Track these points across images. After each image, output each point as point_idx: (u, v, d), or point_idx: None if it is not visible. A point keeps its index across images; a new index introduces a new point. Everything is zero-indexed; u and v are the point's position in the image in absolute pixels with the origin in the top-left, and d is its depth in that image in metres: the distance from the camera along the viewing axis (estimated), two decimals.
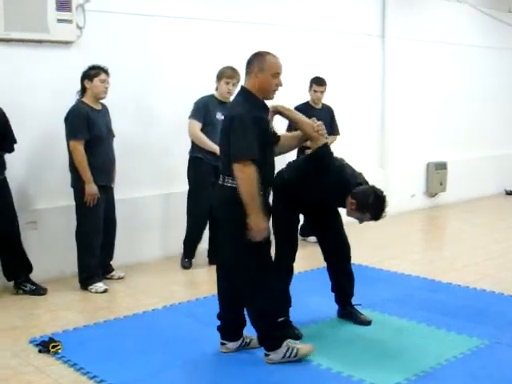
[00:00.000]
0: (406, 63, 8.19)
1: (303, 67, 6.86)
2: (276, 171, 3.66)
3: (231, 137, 3.21)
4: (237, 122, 3.18)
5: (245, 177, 3.15)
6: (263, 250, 3.34)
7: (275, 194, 3.88)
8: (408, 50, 8.20)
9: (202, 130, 5.35)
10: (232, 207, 3.25)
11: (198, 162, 5.39)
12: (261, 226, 3.20)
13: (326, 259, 4.10)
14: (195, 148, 5.42)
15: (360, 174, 3.83)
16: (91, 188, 4.80)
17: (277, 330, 3.40)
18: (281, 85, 3.32)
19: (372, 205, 3.56)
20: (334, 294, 4.19)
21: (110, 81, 4.91)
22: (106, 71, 4.87)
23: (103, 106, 5.03)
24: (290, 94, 6.15)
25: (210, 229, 5.44)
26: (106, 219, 5.00)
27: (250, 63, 3.33)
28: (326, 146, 3.63)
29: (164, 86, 5.86)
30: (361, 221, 3.67)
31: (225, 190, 3.32)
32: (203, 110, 5.33)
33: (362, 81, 7.73)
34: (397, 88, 8.06)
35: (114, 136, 5.09)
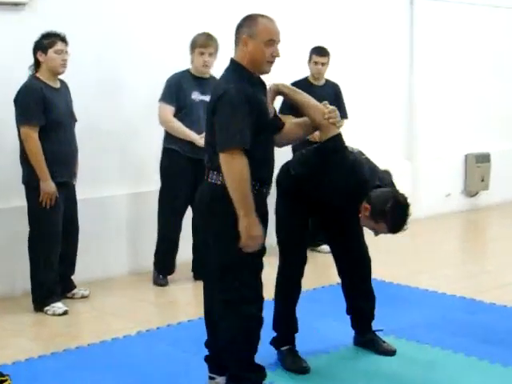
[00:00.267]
0: (439, 31, 8.19)
1: (310, 36, 6.85)
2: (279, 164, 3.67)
3: (217, 120, 3.21)
4: (224, 101, 3.18)
5: (233, 171, 3.15)
6: (251, 270, 3.32)
7: (279, 192, 3.90)
8: (443, 14, 8.20)
9: (175, 115, 5.40)
10: (210, 208, 3.28)
11: (172, 154, 5.44)
12: (254, 232, 3.18)
13: (340, 274, 4.12)
14: (168, 137, 5.47)
15: (385, 172, 3.83)
16: (48, 185, 4.80)
17: (249, 371, 3.38)
18: (277, 55, 3.30)
19: (389, 213, 3.53)
20: (349, 317, 4.20)
21: (69, 51, 4.90)
22: (63, 39, 4.87)
23: (62, 82, 5.05)
24: (292, 70, 6.19)
25: (193, 235, 5.49)
26: (65, 224, 5.01)
27: (238, 29, 3.31)
28: (339, 138, 3.63)
29: (136, 58, 5.86)
30: (376, 233, 3.66)
31: (205, 188, 3.35)
32: (175, 90, 5.38)
33: (384, 53, 7.75)
34: (428, 62, 8.07)
35: (76, 120, 5.10)
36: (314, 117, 3.61)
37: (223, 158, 3.16)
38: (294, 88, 3.74)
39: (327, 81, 6.45)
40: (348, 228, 3.97)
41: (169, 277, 5.65)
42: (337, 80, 6.59)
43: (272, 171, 3.45)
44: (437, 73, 8.20)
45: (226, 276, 3.29)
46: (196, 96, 5.39)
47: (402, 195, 3.63)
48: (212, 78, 5.45)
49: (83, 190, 5.35)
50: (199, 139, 5.25)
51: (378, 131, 7.68)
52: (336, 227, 3.99)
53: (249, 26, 3.26)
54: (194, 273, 5.66)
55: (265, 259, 3.39)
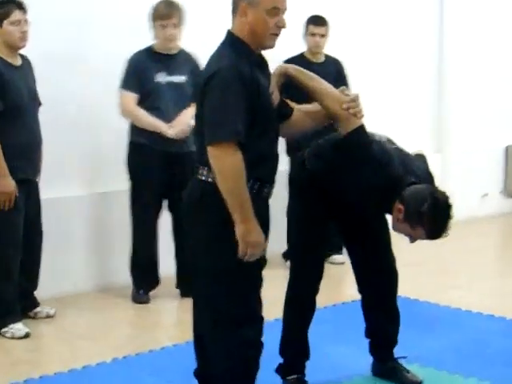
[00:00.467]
0: (471, 8, 8.18)
1: (314, 2, 6.81)
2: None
3: (206, 106, 3.20)
4: (214, 82, 3.16)
5: (224, 169, 3.15)
6: (248, 284, 3.31)
7: (292, 190, 3.94)
8: None
9: (139, 103, 5.44)
10: (200, 206, 3.29)
11: (141, 149, 5.49)
12: (252, 238, 3.18)
13: (360, 290, 4.14)
14: (135, 130, 5.52)
15: (419, 157, 3.89)
16: (6, 183, 4.79)
17: None
18: (283, 26, 3.28)
19: (426, 215, 3.56)
20: (368, 341, 4.21)
21: (28, 19, 4.89)
22: (20, 6, 4.86)
23: (24, 59, 5.07)
24: (286, 45, 6.11)
25: (176, 242, 5.60)
26: (27, 229, 5.02)
27: None
28: (362, 130, 3.63)
29: (105, 28, 5.79)
30: (412, 239, 3.69)
31: (194, 185, 3.36)
32: (137, 73, 5.44)
33: (411, 33, 7.79)
34: (461, 39, 8.10)
35: (40, 104, 5.12)
36: (331, 106, 3.60)
37: (212, 153, 3.15)
38: (306, 71, 3.71)
39: (327, 57, 6.46)
40: (373, 235, 3.99)
41: (151, 292, 5.68)
42: (352, 60, 6.61)
43: (275, 168, 3.44)
44: (470, 51, 8.22)
45: (217, 289, 3.28)
46: (162, 78, 5.45)
47: (442, 193, 3.66)
48: (182, 52, 5.55)
49: (45, 189, 5.32)
50: (168, 129, 5.38)
51: (402, 119, 7.69)
52: (359, 233, 4.00)
53: None
54: (181, 288, 5.68)
55: (265, 271, 3.38)
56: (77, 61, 5.73)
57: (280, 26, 3.27)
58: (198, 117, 3.32)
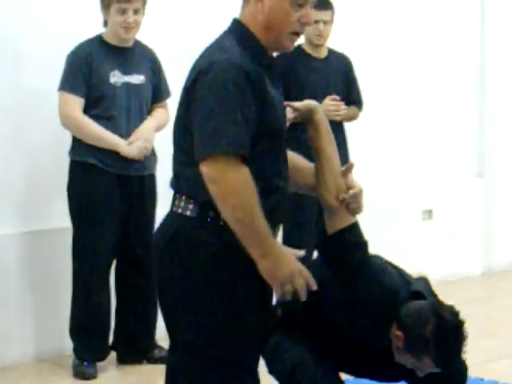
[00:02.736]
0: None
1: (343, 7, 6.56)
2: None
3: (197, 109, 3.00)
4: (210, 79, 2.97)
5: (228, 191, 2.92)
6: (239, 362, 3.07)
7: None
8: None
9: (85, 110, 5.15)
10: (171, 254, 3.07)
11: (90, 172, 5.20)
12: (284, 270, 2.98)
13: None
14: (78, 145, 5.22)
15: (421, 279, 3.75)
16: None
17: None
18: (308, 22, 3.17)
19: (431, 341, 3.38)
20: None
21: None
22: None
23: None
24: None
25: (116, 293, 5.42)
26: None
27: None
28: (355, 229, 3.50)
29: (39, 20, 5.52)
30: (420, 370, 3.47)
31: (167, 222, 3.18)
32: (83, 71, 5.15)
33: (448, 41, 7.77)
34: (504, 56, 8.06)
35: None
36: (325, 194, 3.40)
37: (207, 172, 2.91)
38: (330, 130, 3.49)
39: (332, 52, 6.06)
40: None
41: (99, 363, 5.38)
42: (376, 67, 6.69)
43: (283, 202, 3.21)
44: None
45: (198, 366, 3.07)
46: (117, 78, 5.18)
47: (449, 307, 3.51)
48: (138, 45, 5.36)
49: None
50: (125, 146, 5.14)
51: (440, 141, 7.69)
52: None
53: None
54: (118, 352, 5.43)
55: None
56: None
57: (305, 22, 3.13)
58: (179, 124, 3.12)
